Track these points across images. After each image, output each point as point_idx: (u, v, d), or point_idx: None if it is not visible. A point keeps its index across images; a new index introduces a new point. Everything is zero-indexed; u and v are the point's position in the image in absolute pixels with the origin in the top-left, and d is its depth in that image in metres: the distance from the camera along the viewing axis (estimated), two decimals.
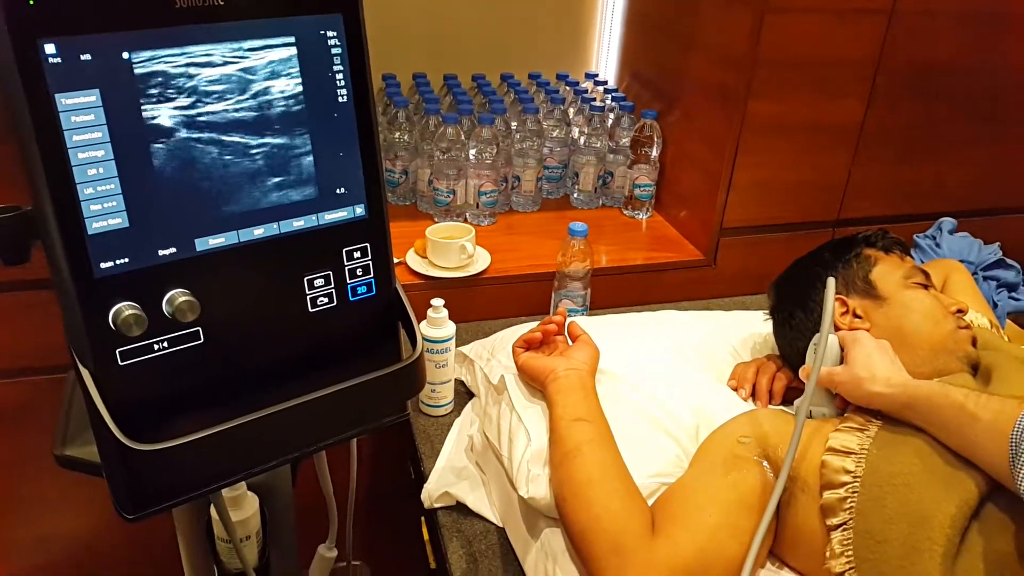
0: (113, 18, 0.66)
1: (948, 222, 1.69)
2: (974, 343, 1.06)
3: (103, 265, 0.70)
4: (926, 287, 1.10)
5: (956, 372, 1.01)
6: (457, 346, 1.28)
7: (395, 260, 0.92)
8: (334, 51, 0.77)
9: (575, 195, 1.82)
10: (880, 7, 1.47)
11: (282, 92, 0.76)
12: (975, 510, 0.82)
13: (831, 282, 1.01)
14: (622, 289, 1.58)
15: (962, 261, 1.52)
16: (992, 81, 1.62)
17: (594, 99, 1.81)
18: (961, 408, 0.85)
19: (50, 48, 0.64)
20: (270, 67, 0.75)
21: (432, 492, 1.12)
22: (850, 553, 0.84)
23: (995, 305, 1.53)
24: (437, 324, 1.21)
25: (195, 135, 0.73)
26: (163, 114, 0.70)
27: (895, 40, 1.50)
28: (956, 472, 0.84)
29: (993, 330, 1.20)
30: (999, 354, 1.05)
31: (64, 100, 0.65)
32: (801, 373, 1.05)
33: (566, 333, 1.17)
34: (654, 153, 1.71)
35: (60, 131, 0.66)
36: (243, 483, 1.06)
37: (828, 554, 0.85)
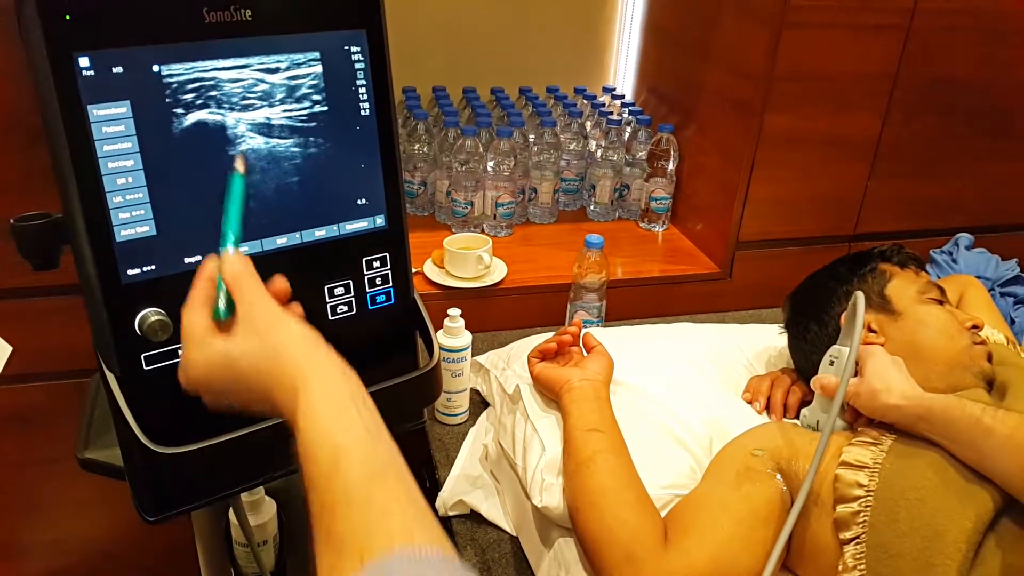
0: (145, 32, 0.68)
1: (965, 238, 1.69)
2: (989, 359, 1.05)
3: (130, 272, 0.72)
4: (941, 302, 1.10)
5: (971, 387, 1.01)
6: (473, 355, 1.29)
7: (413, 270, 0.93)
8: (357, 66, 0.79)
9: (592, 207, 1.83)
10: (897, 23, 1.47)
11: (306, 105, 0.78)
12: (990, 524, 0.83)
13: (860, 296, 1.01)
14: (637, 301, 1.59)
15: (979, 277, 1.52)
16: (1010, 96, 1.62)
17: (611, 112, 1.83)
18: (977, 422, 0.85)
19: (84, 61, 0.66)
20: (295, 81, 0.77)
21: (446, 500, 1.13)
22: (863, 567, 0.84)
23: (1012, 321, 1.52)
24: (453, 333, 1.22)
25: (223, 147, 0.75)
26: (191, 126, 0.72)
27: (912, 55, 1.50)
28: (970, 486, 0.84)
29: (1009, 346, 1.20)
30: (1015, 370, 1.05)
31: (96, 111, 0.67)
32: (813, 383, 1.06)
33: (581, 344, 1.18)
34: (670, 166, 1.72)
35: (91, 141, 0.68)
36: (262, 488, 1.07)
37: (841, 568, 0.85)
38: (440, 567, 0.48)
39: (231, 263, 0.62)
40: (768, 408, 1.17)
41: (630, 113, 1.82)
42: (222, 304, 0.62)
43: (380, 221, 0.86)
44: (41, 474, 1.47)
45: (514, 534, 1.09)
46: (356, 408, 0.56)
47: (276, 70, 0.75)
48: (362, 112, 0.81)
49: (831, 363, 1.04)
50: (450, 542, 0.51)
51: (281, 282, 0.66)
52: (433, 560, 0.48)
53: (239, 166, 0.68)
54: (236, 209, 0.67)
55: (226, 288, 0.62)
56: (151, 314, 0.72)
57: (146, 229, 0.72)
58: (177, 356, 0.76)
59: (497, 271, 1.52)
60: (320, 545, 0.52)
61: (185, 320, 0.62)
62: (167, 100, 0.71)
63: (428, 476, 1.25)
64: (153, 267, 0.73)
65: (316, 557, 0.52)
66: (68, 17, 0.64)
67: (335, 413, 0.55)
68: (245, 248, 0.77)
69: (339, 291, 0.84)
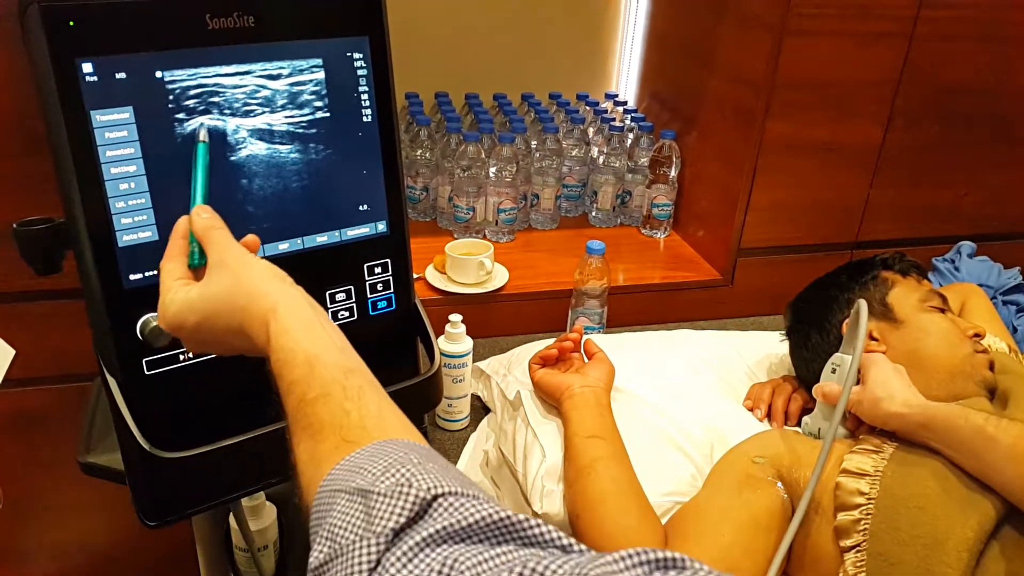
0: (148, 38, 0.69)
1: (967, 246, 1.69)
2: (991, 367, 1.05)
3: (132, 277, 0.72)
4: (943, 311, 1.10)
5: (973, 396, 1.01)
6: (474, 361, 1.29)
7: (414, 276, 0.93)
8: (360, 73, 0.79)
9: (593, 213, 1.83)
10: (899, 31, 1.47)
11: (309, 112, 0.78)
12: (992, 533, 0.82)
13: (863, 304, 1.01)
14: (639, 307, 1.59)
15: (981, 285, 1.51)
16: (1012, 104, 1.62)
17: (613, 119, 1.83)
18: (980, 430, 0.85)
19: (87, 67, 0.66)
20: (297, 87, 0.77)
21: None
22: (863, 575, 0.83)
23: (1015, 330, 1.52)
24: (455, 339, 1.22)
25: (224, 152, 0.75)
26: (193, 131, 0.73)
27: (914, 63, 1.51)
28: (972, 495, 0.84)
29: (1011, 354, 1.20)
30: (1017, 379, 1.04)
31: (99, 117, 0.68)
32: (815, 391, 1.05)
33: (582, 350, 1.17)
34: (672, 173, 1.72)
35: (94, 146, 0.68)
36: (262, 493, 1.07)
37: (841, 575, 0.85)
38: (423, 450, 0.51)
39: (200, 218, 0.66)
40: (769, 415, 1.17)
41: (632, 119, 1.82)
42: (195, 254, 0.66)
43: (382, 227, 0.86)
44: (43, 477, 1.47)
45: None
46: (324, 329, 0.59)
47: (278, 76, 0.75)
48: (364, 118, 0.81)
49: (833, 371, 1.04)
50: (424, 438, 0.54)
51: (251, 236, 0.69)
52: (413, 445, 0.51)
53: (202, 136, 0.72)
54: (202, 173, 0.70)
55: (197, 241, 0.66)
56: (153, 319, 0.72)
57: (148, 234, 0.73)
58: (178, 360, 0.76)
59: (499, 277, 1.52)
60: (296, 439, 0.55)
61: (163, 270, 0.65)
62: (169, 106, 0.71)
63: None
64: (155, 272, 0.73)
65: (292, 452, 0.55)
66: (71, 23, 0.64)
67: (305, 330, 0.58)
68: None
69: (340, 296, 0.85)
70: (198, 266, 0.65)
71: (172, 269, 0.65)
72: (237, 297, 0.61)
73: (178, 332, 0.64)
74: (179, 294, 0.63)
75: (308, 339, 0.57)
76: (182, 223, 0.67)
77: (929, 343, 1.05)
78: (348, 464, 0.49)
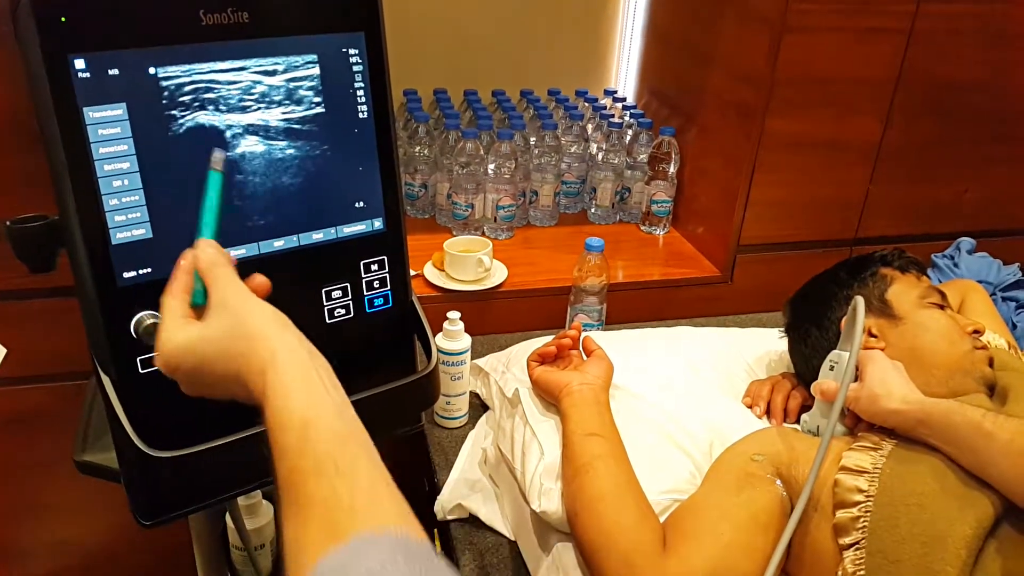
0: (141, 34, 0.68)
1: (967, 242, 1.68)
2: (991, 364, 1.05)
3: (126, 275, 0.72)
4: (942, 307, 1.10)
5: (972, 392, 1.01)
6: (473, 359, 1.29)
7: (412, 273, 0.93)
8: (355, 68, 0.79)
9: (592, 210, 1.83)
10: (899, 27, 1.47)
11: (304, 108, 0.77)
12: (990, 530, 0.82)
13: (860, 301, 1.00)
14: (638, 304, 1.59)
15: (981, 282, 1.51)
16: (1012, 100, 1.61)
17: (612, 115, 1.82)
18: (978, 427, 0.85)
19: (80, 63, 0.65)
20: (293, 84, 0.76)
21: (445, 504, 1.12)
22: (863, 573, 0.83)
23: (1014, 326, 1.52)
24: (453, 337, 1.22)
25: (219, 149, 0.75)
26: (187, 128, 0.72)
27: (914, 59, 1.50)
28: (971, 492, 0.84)
29: (1011, 351, 1.20)
30: (1016, 375, 1.04)
31: (92, 113, 0.67)
32: (813, 388, 1.05)
33: (581, 348, 1.17)
34: (672, 169, 1.71)
35: (87, 143, 0.68)
36: (259, 491, 1.07)
37: (840, 573, 0.85)
38: (411, 547, 0.49)
39: (205, 253, 0.64)
40: (768, 413, 1.16)
41: (631, 116, 1.82)
42: (199, 293, 0.63)
43: (378, 224, 0.85)
44: (40, 476, 1.47)
45: (512, 538, 1.09)
46: (323, 386, 0.57)
47: (273, 72, 0.75)
48: (360, 115, 0.81)
49: (831, 368, 1.04)
50: (417, 520, 0.52)
51: (260, 278, 0.67)
52: (400, 542, 0.49)
53: (216, 164, 0.69)
54: (212, 204, 0.68)
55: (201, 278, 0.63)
56: (147, 317, 0.72)
57: (142, 232, 0.72)
58: None
59: (497, 274, 1.52)
60: (285, 513, 0.53)
61: (164, 305, 0.63)
62: (163, 102, 0.70)
63: (427, 480, 1.25)
64: (149, 270, 0.73)
65: (281, 524, 0.53)
66: (63, 19, 0.64)
67: (303, 387, 0.56)
68: (243, 251, 0.77)
69: (337, 294, 0.84)
70: (201, 305, 0.63)
71: (174, 307, 0.62)
72: (236, 342, 0.59)
73: (174, 374, 0.62)
74: (179, 334, 0.61)
75: (305, 399, 0.55)
76: (187, 257, 0.64)
77: (928, 339, 1.05)
78: (329, 563, 0.47)
